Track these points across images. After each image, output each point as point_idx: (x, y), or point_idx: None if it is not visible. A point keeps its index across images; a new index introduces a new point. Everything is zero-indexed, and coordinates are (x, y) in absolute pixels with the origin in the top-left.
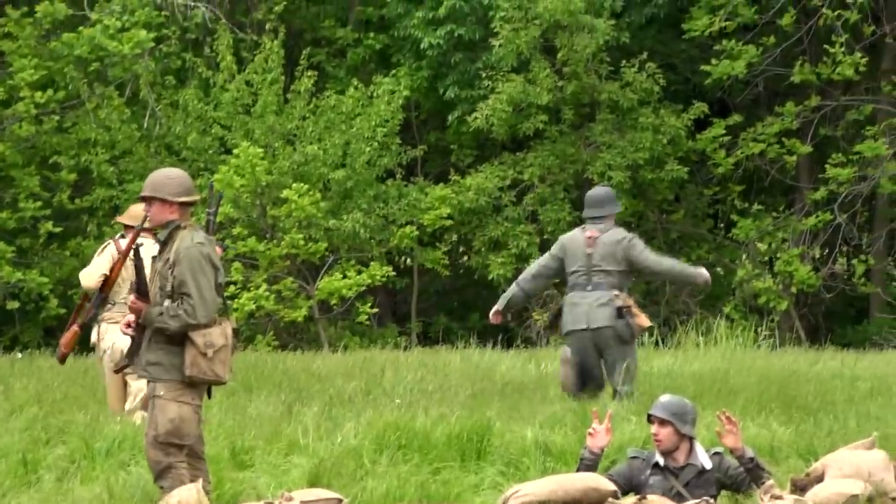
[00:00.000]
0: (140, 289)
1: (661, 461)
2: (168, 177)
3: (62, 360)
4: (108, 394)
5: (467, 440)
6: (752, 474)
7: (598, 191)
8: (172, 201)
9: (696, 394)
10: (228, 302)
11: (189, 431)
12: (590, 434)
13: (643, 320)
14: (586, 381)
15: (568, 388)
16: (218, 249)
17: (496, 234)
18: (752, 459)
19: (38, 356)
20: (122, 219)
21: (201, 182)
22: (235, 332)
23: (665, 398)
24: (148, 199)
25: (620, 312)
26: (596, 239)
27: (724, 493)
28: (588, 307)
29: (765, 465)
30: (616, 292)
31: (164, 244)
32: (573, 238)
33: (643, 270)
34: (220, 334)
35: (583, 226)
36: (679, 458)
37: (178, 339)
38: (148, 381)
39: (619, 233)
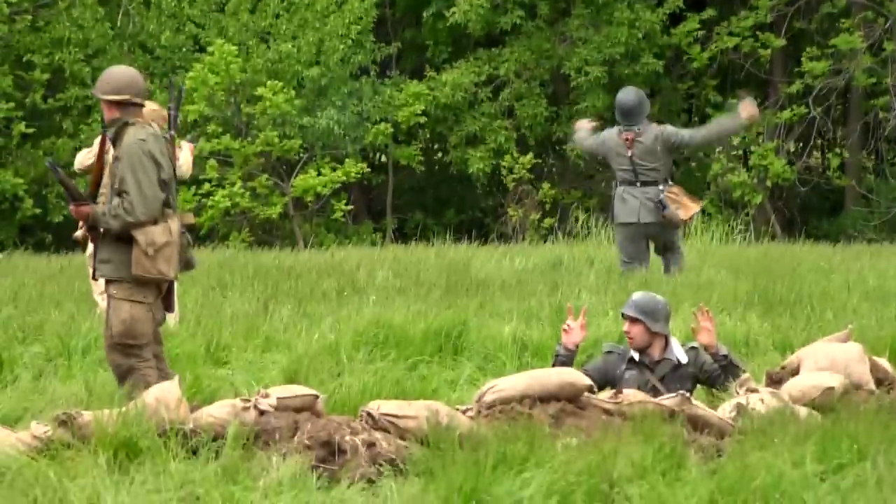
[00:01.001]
0: (73, 194)
1: (636, 356)
2: (107, 75)
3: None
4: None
5: (444, 336)
6: (726, 371)
7: (628, 98)
8: (108, 100)
9: (671, 289)
10: (202, 198)
11: (143, 331)
12: (564, 330)
13: (687, 210)
14: (636, 261)
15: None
16: (188, 145)
17: (474, 129)
18: (725, 356)
19: (13, 255)
20: None
21: (175, 80)
22: (190, 227)
23: (637, 296)
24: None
25: (664, 205)
26: (633, 140)
27: (699, 388)
28: (637, 203)
29: (739, 363)
30: (661, 186)
31: (114, 142)
32: (611, 138)
33: (686, 148)
34: (162, 231)
35: (618, 127)
36: (654, 354)
37: (126, 238)
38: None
39: (653, 129)
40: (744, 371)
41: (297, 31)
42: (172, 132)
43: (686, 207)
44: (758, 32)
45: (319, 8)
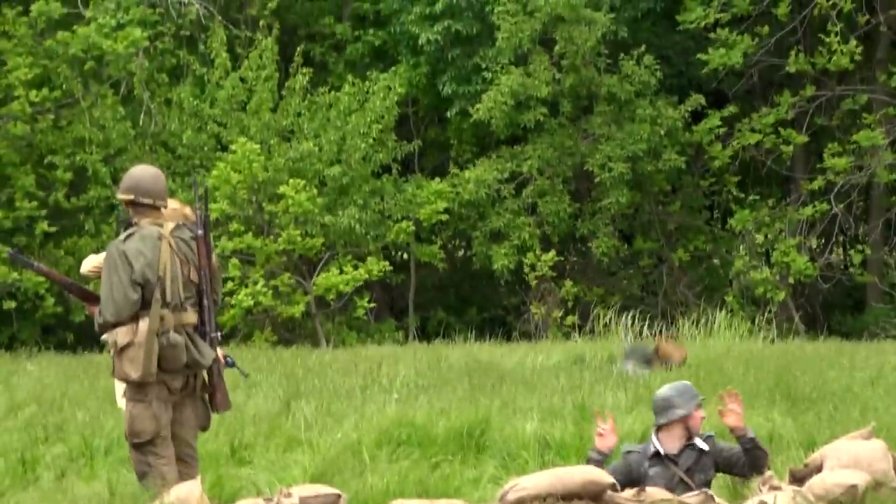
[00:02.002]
0: (76, 292)
1: (661, 450)
2: (128, 175)
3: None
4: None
5: (467, 434)
6: (751, 455)
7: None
8: (120, 198)
9: (694, 385)
10: (225, 297)
11: (143, 428)
12: (599, 434)
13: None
14: None
15: None
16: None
17: (498, 225)
18: (752, 440)
19: (37, 355)
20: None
21: (197, 179)
22: (193, 326)
23: (657, 398)
24: None
25: None
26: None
27: (722, 483)
28: None
29: (763, 447)
30: None
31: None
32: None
33: None
34: (125, 332)
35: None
36: (673, 446)
37: None
38: None
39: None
40: (766, 455)
41: (319, 130)
42: (200, 231)
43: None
44: (779, 129)
45: (342, 107)
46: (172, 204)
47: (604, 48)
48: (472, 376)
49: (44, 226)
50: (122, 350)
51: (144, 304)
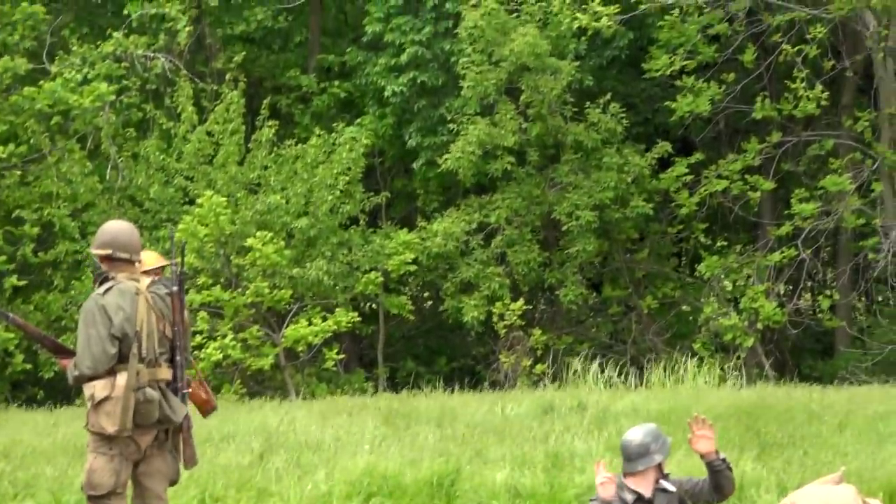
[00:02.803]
0: (48, 346)
1: (646, 494)
2: (102, 230)
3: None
4: None
5: (437, 484)
6: (721, 476)
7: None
8: (94, 252)
9: (665, 432)
10: (193, 350)
11: (101, 481)
12: (602, 484)
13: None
14: None
15: None
16: None
17: (468, 276)
18: (724, 460)
19: (5, 411)
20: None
21: (164, 233)
22: (167, 381)
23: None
24: None
25: None
26: None
27: None
28: None
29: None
30: None
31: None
32: None
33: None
34: (103, 386)
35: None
36: (648, 489)
37: None
38: None
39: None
40: (733, 480)
41: (286, 183)
42: (175, 287)
43: None
44: (746, 175)
45: (308, 159)
46: (152, 256)
47: (569, 96)
48: (443, 426)
49: (13, 280)
50: (98, 403)
51: (121, 359)
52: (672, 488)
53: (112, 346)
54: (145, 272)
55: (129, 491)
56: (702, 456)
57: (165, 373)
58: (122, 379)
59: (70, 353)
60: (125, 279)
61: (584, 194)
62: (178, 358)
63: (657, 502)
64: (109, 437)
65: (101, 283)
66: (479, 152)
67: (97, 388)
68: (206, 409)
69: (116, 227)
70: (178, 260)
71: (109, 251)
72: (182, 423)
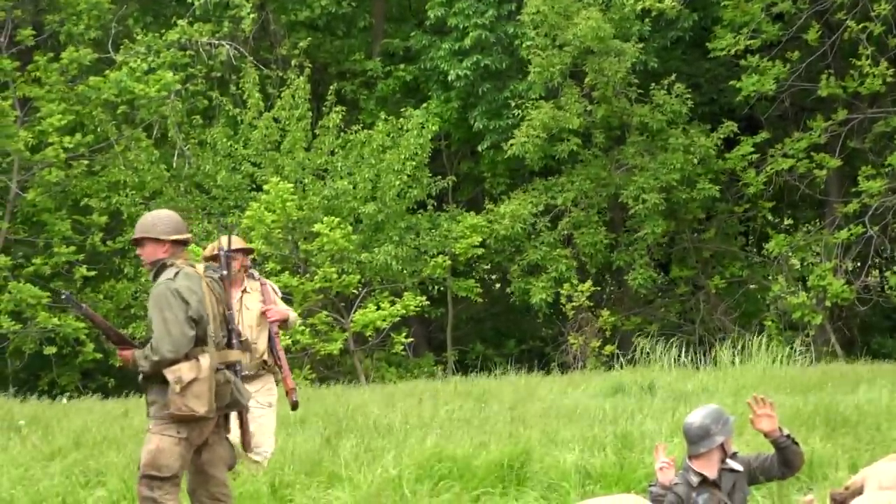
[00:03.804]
0: (112, 337)
1: (710, 476)
2: (158, 217)
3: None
4: None
5: (507, 467)
6: (788, 452)
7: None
8: (164, 240)
9: (733, 412)
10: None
11: (167, 463)
12: (661, 469)
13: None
14: None
15: None
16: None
17: (535, 258)
18: (788, 436)
19: (77, 399)
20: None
21: (231, 220)
22: (231, 364)
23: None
24: (139, 241)
25: None
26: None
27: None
28: None
29: (798, 444)
30: None
31: (154, 283)
32: None
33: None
34: (189, 368)
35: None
36: (713, 470)
37: (163, 377)
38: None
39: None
40: (803, 455)
41: (353, 168)
42: (224, 272)
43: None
44: (812, 153)
45: (375, 145)
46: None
47: (634, 78)
48: (512, 408)
49: (83, 270)
50: (186, 386)
51: (197, 342)
52: (739, 467)
53: (190, 329)
54: (212, 258)
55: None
56: (766, 434)
57: (236, 355)
58: (205, 360)
59: (132, 346)
60: (185, 264)
61: (650, 176)
62: (234, 340)
63: (723, 483)
64: (180, 420)
65: (158, 272)
66: (544, 136)
67: (184, 371)
68: (291, 398)
69: (166, 213)
70: (226, 244)
71: (175, 236)
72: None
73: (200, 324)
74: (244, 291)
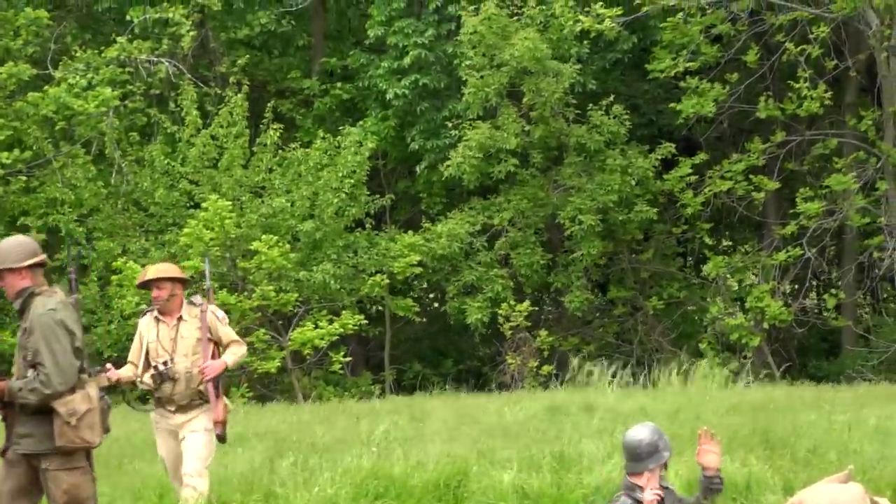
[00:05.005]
0: None
1: (656, 494)
2: (7, 245)
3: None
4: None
5: (445, 486)
6: (713, 493)
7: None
8: (19, 267)
9: (670, 433)
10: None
11: (87, 495)
12: (650, 502)
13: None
14: None
15: None
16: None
17: (471, 278)
18: (721, 479)
19: None
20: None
21: (169, 237)
22: (111, 387)
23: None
24: None
25: None
26: None
27: None
28: None
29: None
30: None
31: (21, 313)
32: None
33: None
34: (82, 399)
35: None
36: (657, 487)
37: (46, 410)
38: (25, 455)
39: None
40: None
41: (291, 186)
42: (75, 296)
43: None
44: (750, 175)
45: (312, 163)
46: (160, 268)
47: (572, 99)
48: (450, 428)
49: None
50: (81, 417)
51: (80, 371)
52: (672, 486)
53: (76, 360)
54: (153, 281)
55: None
56: (704, 469)
57: (103, 380)
58: (93, 390)
59: (3, 376)
60: (53, 292)
61: (587, 197)
62: (85, 364)
63: (667, 501)
64: (79, 450)
65: (27, 301)
66: (479, 156)
67: (77, 403)
68: (219, 430)
69: (16, 240)
70: (72, 268)
71: (31, 260)
72: None
73: (81, 353)
74: (180, 319)
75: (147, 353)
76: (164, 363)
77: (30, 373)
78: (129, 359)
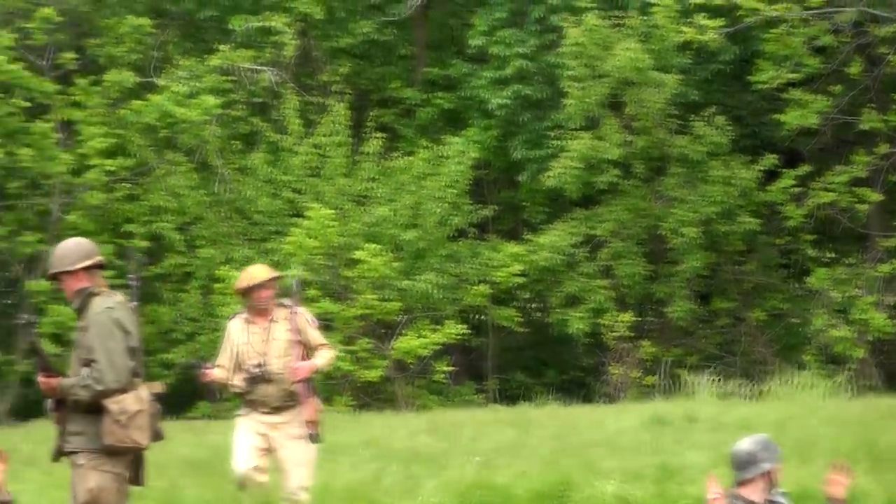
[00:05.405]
0: (44, 366)
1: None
2: (64, 248)
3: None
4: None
5: (548, 496)
6: None
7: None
8: (75, 269)
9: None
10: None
11: (109, 501)
12: (713, 500)
13: None
14: None
15: None
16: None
17: (573, 289)
18: (844, 502)
19: None
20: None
21: (272, 245)
22: (159, 396)
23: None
24: (55, 277)
25: None
26: None
27: None
28: None
29: None
30: None
31: (80, 312)
32: None
33: None
34: (134, 400)
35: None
36: (760, 498)
37: (97, 407)
38: (69, 453)
39: None
40: None
41: (394, 195)
42: (134, 302)
43: None
44: (854, 187)
45: (415, 172)
46: (261, 270)
47: (674, 109)
48: (554, 438)
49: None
50: (131, 417)
51: (133, 372)
52: (783, 501)
53: (130, 360)
54: (256, 286)
55: None
56: (829, 499)
57: (158, 386)
58: (145, 392)
59: (58, 374)
60: (112, 292)
61: (689, 209)
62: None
63: None
64: (115, 453)
65: (85, 301)
66: (581, 166)
67: (129, 402)
68: (311, 430)
69: (79, 241)
70: (135, 272)
71: (91, 261)
72: None
73: (136, 355)
74: (271, 321)
75: (238, 355)
76: (258, 365)
77: (83, 370)
78: (218, 363)
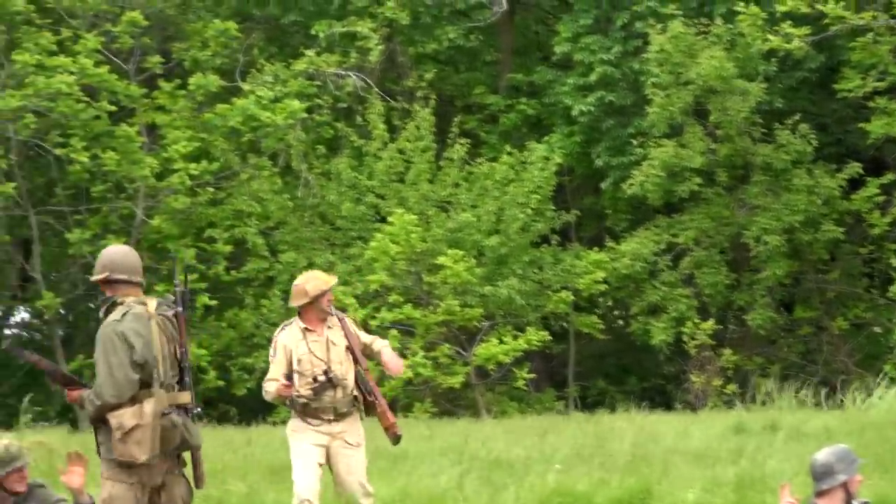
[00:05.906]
0: (59, 379)
1: None
2: (100, 257)
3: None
4: None
5: None
6: None
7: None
8: (96, 280)
9: (856, 451)
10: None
11: None
12: None
13: None
14: None
15: None
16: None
17: (654, 298)
18: None
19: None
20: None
21: (355, 251)
22: (185, 408)
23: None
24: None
25: None
26: None
27: None
28: None
29: None
30: None
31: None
32: None
33: None
34: (132, 415)
35: None
36: None
37: (105, 420)
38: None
39: None
40: None
41: (477, 200)
42: (179, 308)
43: None
44: None
45: (498, 178)
46: (324, 275)
47: (758, 118)
48: (634, 445)
49: (204, 298)
50: (128, 432)
51: (142, 385)
52: None
53: (135, 373)
54: (316, 297)
55: None
56: None
57: (186, 397)
58: (149, 406)
59: (80, 385)
60: (134, 303)
61: (772, 217)
62: (187, 379)
63: None
64: (130, 464)
65: (108, 309)
66: (663, 174)
67: (126, 417)
68: (392, 433)
69: (112, 250)
70: (181, 279)
71: (106, 274)
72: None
73: (146, 367)
74: (328, 328)
75: (298, 364)
76: (325, 372)
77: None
78: (271, 376)
